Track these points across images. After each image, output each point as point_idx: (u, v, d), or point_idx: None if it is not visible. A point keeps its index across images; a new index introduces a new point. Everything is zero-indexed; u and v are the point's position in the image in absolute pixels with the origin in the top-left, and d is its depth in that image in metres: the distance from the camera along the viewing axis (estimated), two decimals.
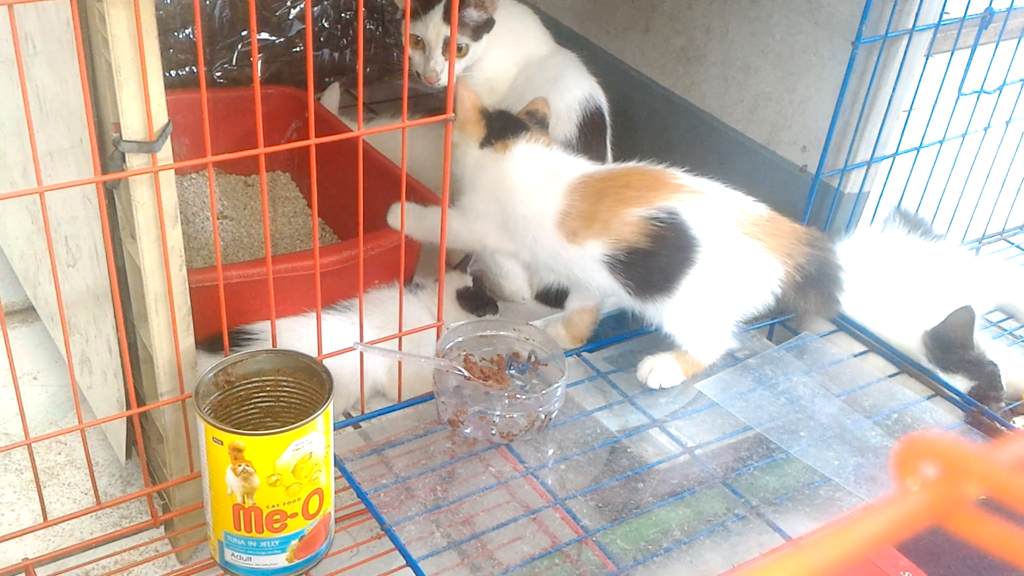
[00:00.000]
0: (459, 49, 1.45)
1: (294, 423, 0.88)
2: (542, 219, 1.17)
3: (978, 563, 0.95)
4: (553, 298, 1.49)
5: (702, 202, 1.15)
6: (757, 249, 1.15)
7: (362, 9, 0.97)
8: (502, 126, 1.24)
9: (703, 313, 1.17)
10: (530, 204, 1.18)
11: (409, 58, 1.40)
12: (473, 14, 1.44)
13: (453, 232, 1.19)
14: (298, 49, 1.77)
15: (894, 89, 1.30)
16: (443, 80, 1.43)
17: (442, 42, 1.43)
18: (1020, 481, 0.24)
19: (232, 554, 0.94)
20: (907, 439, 0.26)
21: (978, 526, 0.25)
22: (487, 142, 1.23)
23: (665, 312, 1.17)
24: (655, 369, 1.19)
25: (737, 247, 1.15)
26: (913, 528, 0.25)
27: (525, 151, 1.22)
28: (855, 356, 1.28)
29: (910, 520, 0.24)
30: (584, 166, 1.22)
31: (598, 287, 1.19)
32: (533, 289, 1.52)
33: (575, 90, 1.49)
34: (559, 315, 1.32)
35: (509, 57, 1.55)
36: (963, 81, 1.39)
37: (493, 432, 1.08)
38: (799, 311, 1.24)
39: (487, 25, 1.47)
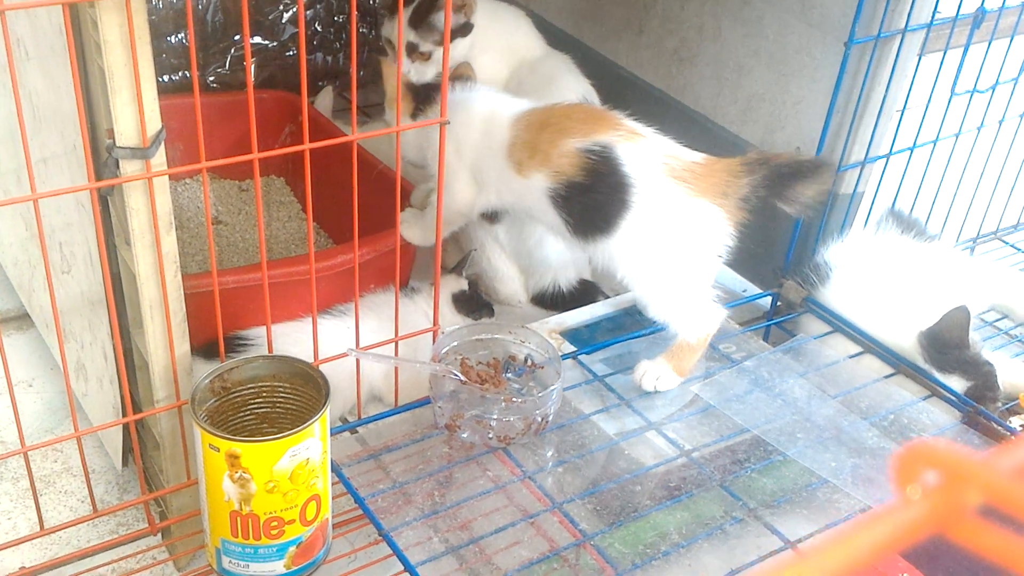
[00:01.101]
0: (423, 55, 1.46)
1: (291, 429, 0.88)
2: (496, 153, 1.20)
3: (976, 566, 0.95)
4: (549, 301, 1.49)
5: (638, 143, 1.16)
6: (685, 193, 1.14)
7: (355, 13, 0.97)
8: (428, 91, 1.31)
9: (647, 262, 1.17)
10: (482, 142, 1.21)
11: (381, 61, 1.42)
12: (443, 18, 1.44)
13: (444, 210, 1.20)
14: (291, 53, 1.77)
15: (887, 89, 1.30)
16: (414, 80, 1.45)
17: (406, 46, 1.44)
18: (1021, 489, 0.24)
19: (230, 561, 0.94)
20: (907, 447, 0.26)
21: (979, 534, 0.25)
22: (419, 110, 1.30)
23: (611, 258, 1.18)
24: (648, 372, 1.19)
25: (666, 191, 1.15)
26: (915, 537, 0.24)
27: (460, 98, 1.27)
28: (851, 357, 1.29)
29: (911, 529, 0.24)
30: (529, 103, 1.25)
31: (551, 225, 1.21)
32: (529, 292, 1.51)
33: (568, 93, 1.49)
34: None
35: (501, 59, 1.55)
36: (956, 81, 1.39)
37: (490, 436, 1.08)
38: (799, 202, 1.19)
39: (463, 30, 1.47)
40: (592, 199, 1.15)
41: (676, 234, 1.16)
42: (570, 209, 1.16)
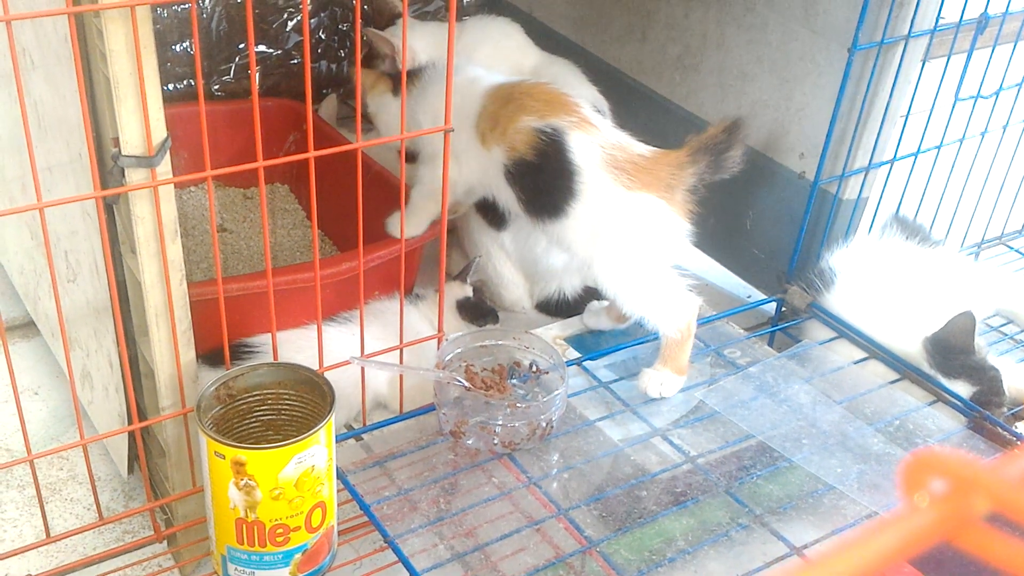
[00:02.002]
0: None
1: (296, 436, 0.88)
2: (467, 121, 1.23)
3: (982, 571, 0.94)
4: (554, 308, 1.49)
5: (589, 132, 1.19)
6: (626, 185, 1.17)
7: (359, 21, 0.97)
8: (399, 73, 1.37)
9: (599, 251, 1.19)
10: (459, 110, 1.22)
11: None
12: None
13: (431, 189, 1.26)
14: (295, 61, 1.77)
15: (891, 95, 1.30)
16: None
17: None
18: None
19: (235, 568, 0.94)
20: (915, 455, 0.26)
21: (987, 542, 0.25)
22: (398, 87, 1.36)
23: (569, 247, 1.22)
24: (652, 379, 1.20)
25: (607, 182, 1.17)
26: (922, 545, 0.24)
27: (433, 69, 1.32)
28: (856, 363, 1.28)
29: (919, 537, 0.24)
30: (503, 78, 1.29)
31: (505, 204, 1.25)
32: (533, 299, 1.52)
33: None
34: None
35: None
36: (960, 86, 1.39)
37: (495, 442, 1.08)
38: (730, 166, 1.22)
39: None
40: (539, 180, 1.19)
41: (620, 225, 1.18)
42: (522, 186, 1.20)
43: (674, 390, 1.20)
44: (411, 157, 1.35)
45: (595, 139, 1.18)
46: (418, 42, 1.53)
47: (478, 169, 1.24)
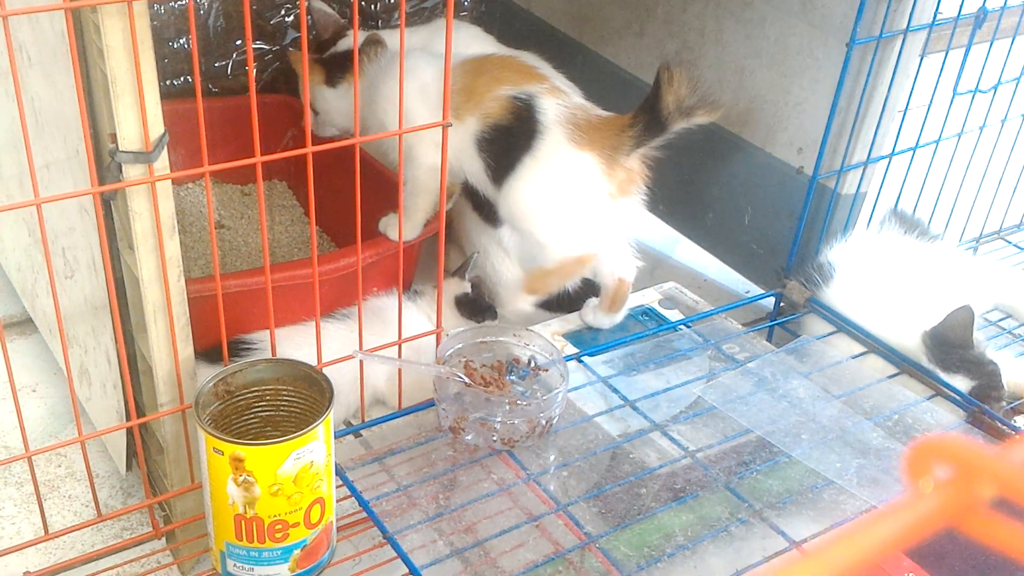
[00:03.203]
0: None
1: (295, 432, 0.88)
2: (436, 102, 1.27)
3: (982, 564, 0.94)
4: (555, 303, 1.49)
5: (558, 98, 1.28)
6: (577, 143, 1.26)
7: (357, 17, 0.97)
8: (341, 60, 1.45)
9: (537, 201, 1.28)
10: (432, 94, 1.29)
11: None
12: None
13: (415, 188, 1.30)
14: None
15: (889, 89, 1.30)
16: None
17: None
18: None
19: (234, 565, 0.94)
20: (919, 441, 0.26)
21: (992, 528, 0.25)
22: (338, 78, 1.45)
23: (514, 203, 1.30)
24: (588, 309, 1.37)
25: (564, 140, 1.26)
26: (927, 531, 0.24)
27: (388, 59, 1.38)
28: (855, 357, 1.28)
29: (924, 523, 0.24)
30: (469, 53, 1.36)
31: (471, 175, 1.32)
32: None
33: None
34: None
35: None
36: (958, 80, 1.39)
37: (494, 438, 1.08)
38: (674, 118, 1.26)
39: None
40: (508, 142, 1.27)
41: (559, 180, 1.27)
42: (491, 152, 1.28)
43: (605, 324, 1.36)
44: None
45: (563, 103, 1.28)
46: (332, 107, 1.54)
47: (454, 144, 1.28)
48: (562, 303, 1.49)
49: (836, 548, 0.23)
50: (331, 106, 1.46)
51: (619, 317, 1.38)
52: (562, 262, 1.33)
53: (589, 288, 1.48)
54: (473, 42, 1.58)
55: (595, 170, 1.27)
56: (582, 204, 1.29)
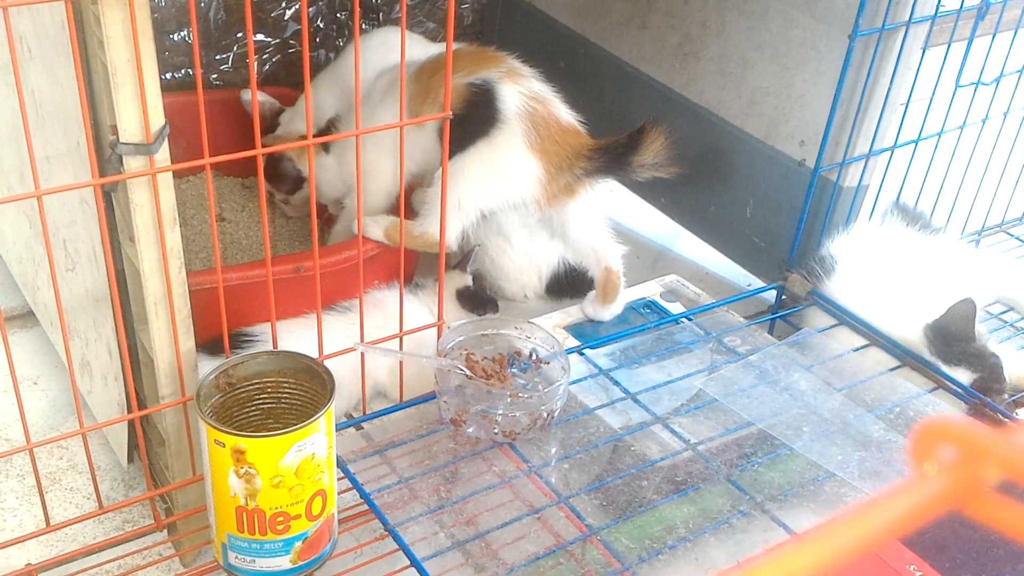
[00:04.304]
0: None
1: (296, 424, 0.88)
2: (406, 112, 1.25)
3: (983, 555, 0.94)
4: (565, 282, 1.50)
5: (516, 82, 1.26)
6: (525, 143, 1.24)
7: (358, 10, 0.96)
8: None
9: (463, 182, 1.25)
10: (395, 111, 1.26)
11: None
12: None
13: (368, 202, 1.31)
14: (294, 50, 1.77)
15: (891, 82, 1.30)
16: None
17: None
18: None
19: (236, 556, 0.94)
20: (924, 423, 0.26)
21: (997, 510, 0.25)
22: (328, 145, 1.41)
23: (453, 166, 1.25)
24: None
25: (518, 131, 1.24)
26: (932, 513, 0.24)
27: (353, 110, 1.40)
28: (856, 350, 1.28)
29: (929, 505, 0.24)
30: (420, 59, 1.33)
31: (433, 168, 1.28)
32: (542, 283, 1.52)
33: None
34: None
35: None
36: (960, 73, 1.38)
37: (496, 431, 1.08)
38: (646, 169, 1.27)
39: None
40: (466, 127, 1.23)
41: (501, 172, 1.25)
42: (451, 139, 1.22)
43: (604, 317, 1.37)
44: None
45: (523, 89, 1.26)
46: (324, 97, 1.53)
47: (420, 149, 1.28)
48: (573, 280, 1.50)
49: (840, 530, 0.23)
50: (327, 172, 1.43)
51: (617, 308, 1.37)
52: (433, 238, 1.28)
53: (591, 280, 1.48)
54: (414, 45, 1.56)
55: (534, 178, 1.25)
56: (503, 200, 1.28)
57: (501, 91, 1.25)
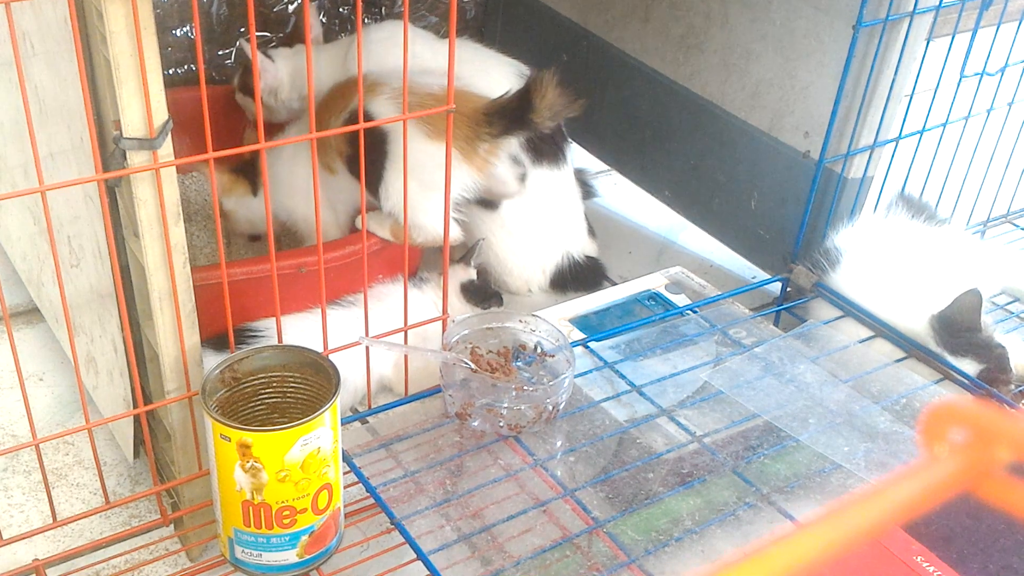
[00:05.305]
0: None
1: (301, 419, 0.88)
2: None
3: (990, 546, 0.94)
4: (569, 276, 1.50)
5: (383, 93, 1.26)
6: (423, 134, 1.23)
7: (360, 4, 0.96)
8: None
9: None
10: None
11: None
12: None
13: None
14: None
15: (896, 73, 1.29)
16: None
17: None
18: None
19: (242, 551, 0.94)
20: (935, 406, 0.26)
21: (1008, 492, 0.24)
22: (254, 186, 1.42)
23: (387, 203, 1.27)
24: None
25: (413, 136, 1.22)
26: (943, 495, 0.24)
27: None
28: (862, 342, 1.28)
29: (940, 486, 0.24)
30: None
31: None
32: (547, 277, 1.52)
33: (494, 72, 1.46)
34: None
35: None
36: (965, 64, 1.38)
37: (501, 424, 1.08)
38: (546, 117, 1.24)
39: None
40: (372, 157, 1.21)
41: (423, 170, 1.23)
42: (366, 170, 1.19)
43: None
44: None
45: (385, 95, 1.25)
46: (283, 68, 1.51)
47: (338, 191, 1.32)
48: (576, 274, 1.50)
49: (852, 511, 0.23)
50: (253, 212, 1.44)
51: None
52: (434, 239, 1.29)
53: (592, 263, 1.48)
54: (415, 40, 1.55)
55: (457, 158, 1.23)
56: (458, 190, 1.27)
57: (376, 111, 1.25)
